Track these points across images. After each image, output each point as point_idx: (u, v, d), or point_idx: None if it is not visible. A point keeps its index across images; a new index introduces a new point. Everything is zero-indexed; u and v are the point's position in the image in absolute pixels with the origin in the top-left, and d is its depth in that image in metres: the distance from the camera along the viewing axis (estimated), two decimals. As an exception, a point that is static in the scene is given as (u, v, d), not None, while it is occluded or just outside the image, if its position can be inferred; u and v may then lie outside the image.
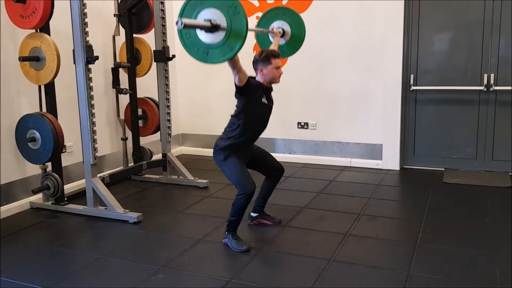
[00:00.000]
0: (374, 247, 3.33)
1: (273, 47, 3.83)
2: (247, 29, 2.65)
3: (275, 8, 4.12)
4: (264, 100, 3.34)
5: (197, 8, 2.72)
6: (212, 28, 2.67)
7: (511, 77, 4.82)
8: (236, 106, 3.32)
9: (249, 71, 3.24)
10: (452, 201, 4.26)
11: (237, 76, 3.05)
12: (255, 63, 3.36)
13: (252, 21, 5.68)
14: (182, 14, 2.75)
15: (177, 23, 2.53)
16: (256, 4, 5.68)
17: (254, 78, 3.38)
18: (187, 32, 2.77)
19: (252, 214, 3.73)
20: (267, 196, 3.71)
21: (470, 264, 3.02)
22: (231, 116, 3.39)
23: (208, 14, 2.69)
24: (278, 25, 4.02)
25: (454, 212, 3.99)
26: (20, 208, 4.19)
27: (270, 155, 3.65)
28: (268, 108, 3.41)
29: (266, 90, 3.38)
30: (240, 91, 3.18)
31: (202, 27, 2.69)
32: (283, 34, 4.02)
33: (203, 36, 2.74)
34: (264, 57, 3.31)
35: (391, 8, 5.07)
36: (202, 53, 2.77)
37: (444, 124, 5.18)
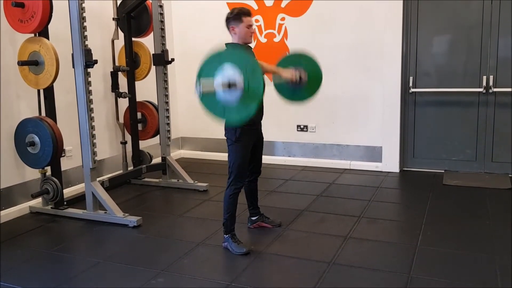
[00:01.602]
0: (374, 249, 3.32)
1: (275, 70, 3.65)
2: (263, 90, 2.72)
3: (290, 55, 3.99)
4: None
5: (216, 65, 2.79)
6: (230, 87, 2.73)
7: (511, 79, 4.82)
8: None
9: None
10: (452, 203, 4.26)
11: None
12: (227, 21, 3.31)
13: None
14: (201, 71, 2.83)
15: (196, 89, 2.62)
16: (255, 7, 5.69)
17: (228, 44, 3.32)
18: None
19: (251, 218, 3.73)
20: (254, 197, 3.69)
21: (471, 266, 3.01)
22: None
23: (227, 72, 2.75)
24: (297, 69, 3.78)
25: (454, 214, 3.98)
26: (19, 212, 4.19)
27: (261, 153, 3.61)
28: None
29: (247, 48, 3.34)
30: None
31: (220, 87, 2.74)
32: (300, 81, 3.69)
33: (221, 94, 2.79)
34: (235, 15, 3.27)
35: (390, 10, 5.08)
36: (220, 112, 2.85)
37: (444, 126, 5.18)
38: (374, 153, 5.41)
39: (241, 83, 2.72)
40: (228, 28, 3.34)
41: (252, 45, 5.62)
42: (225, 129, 3.34)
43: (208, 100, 2.85)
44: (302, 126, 5.72)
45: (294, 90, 3.74)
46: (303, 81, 3.69)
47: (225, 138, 3.36)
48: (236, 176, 3.29)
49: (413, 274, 2.90)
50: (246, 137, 3.29)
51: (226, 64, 2.76)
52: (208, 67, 2.82)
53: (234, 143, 3.29)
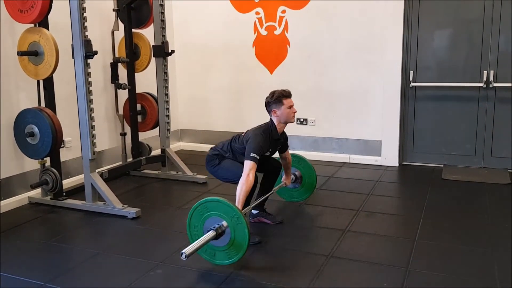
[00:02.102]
0: (372, 243, 3.33)
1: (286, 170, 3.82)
2: (248, 242, 2.81)
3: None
4: (267, 153, 3.38)
5: (204, 214, 2.90)
6: (218, 236, 2.82)
7: (511, 74, 4.81)
8: (244, 144, 3.34)
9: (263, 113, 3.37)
10: (451, 198, 4.26)
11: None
12: (268, 105, 3.39)
13: (252, 17, 5.71)
14: (190, 219, 2.95)
15: (181, 255, 2.64)
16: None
17: (271, 121, 3.39)
18: (196, 234, 2.94)
19: (253, 211, 3.72)
20: (266, 194, 3.69)
21: (469, 260, 3.02)
22: (233, 138, 3.47)
23: (215, 220, 2.86)
24: (292, 171, 3.97)
25: (453, 208, 3.99)
26: (18, 203, 4.19)
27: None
28: (269, 155, 3.45)
29: (273, 142, 3.39)
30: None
31: (206, 243, 2.81)
32: (295, 180, 4.01)
33: (209, 242, 2.87)
34: (276, 99, 3.34)
35: (391, 4, 5.06)
36: (210, 254, 2.95)
37: (443, 120, 5.18)
38: (374, 147, 5.42)
39: (228, 232, 2.83)
40: (269, 112, 3.41)
41: (253, 37, 5.65)
42: (206, 164, 3.51)
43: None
44: (301, 120, 5.71)
45: (291, 190, 4.07)
46: (299, 181, 4.00)
47: (208, 171, 3.52)
48: (241, 177, 3.22)
49: (411, 268, 2.91)
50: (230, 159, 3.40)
51: (213, 214, 2.88)
52: (197, 216, 2.93)
53: (218, 165, 3.45)
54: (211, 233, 2.81)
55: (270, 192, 3.67)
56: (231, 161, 3.43)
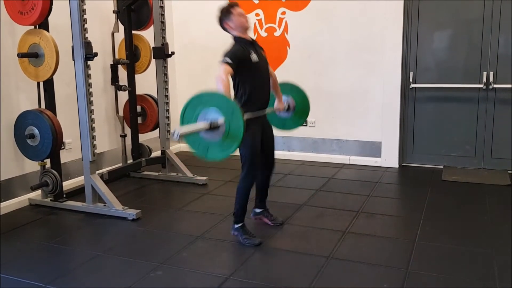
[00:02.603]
0: (372, 244, 3.33)
1: (277, 94, 3.77)
2: (243, 133, 2.78)
3: (282, 84, 4.02)
4: (254, 57, 3.29)
5: (198, 108, 2.87)
6: (211, 128, 2.80)
7: (511, 75, 4.82)
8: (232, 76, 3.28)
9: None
10: (450, 199, 4.27)
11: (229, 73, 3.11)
12: (220, 22, 3.35)
13: (251, 18, 5.71)
14: (183, 113, 2.91)
15: (173, 134, 2.66)
16: (256, 1, 5.68)
17: (234, 41, 3.33)
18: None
19: (255, 209, 3.73)
20: (264, 190, 3.69)
21: (469, 261, 3.03)
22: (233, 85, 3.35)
23: (209, 114, 2.82)
24: (284, 99, 3.92)
25: (452, 210, 3.99)
26: (19, 204, 4.19)
27: (273, 149, 3.63)
28: (262, 63, 3.37)
29: (250, 44, 3.33)
30: (235, 69, 3.17)
31: (199, 131, 2.81)
32: (288, 108, 3.93)
33: (203, 133, 2.86)
34: (224, 12, 3.31)
35: (390, 5, 5.06)
36: (203, 149, 2.91)
37: (443, 122, 5.18)
38: (374, 148, 5.42)
39: (223, 124, 2.80)
40: (224, 28, 3.36)
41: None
42: None
43: (192, 139, 2.93)
44: (301, 121, 5.71)
45: (284, 119, 3.97)
46: (291, 109, 3.90)
47: None
48: (249, 166, 3.25)
49: (411, 269, 2.91)
50: (252, 126, 3.24)
51: (208, 106, 2.85)
52: (191, 110, 2.90)
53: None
54: (205, 123, 2.78)
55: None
56: (246, 138, 3.34)
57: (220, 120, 2.79)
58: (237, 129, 2.78)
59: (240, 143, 3.28)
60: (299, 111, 3.98)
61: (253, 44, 3.37)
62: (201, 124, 2.79)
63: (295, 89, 3.99)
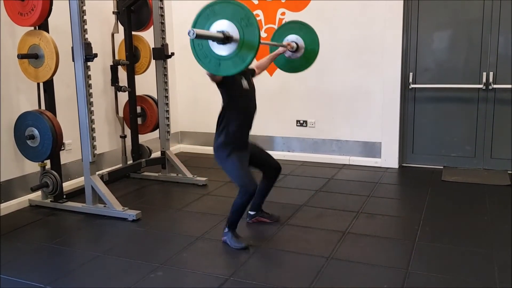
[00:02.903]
0: (372, 245, 3.33)
1: (269, 58, 3.81)
2: (259, 41, 2.66)
3: (290, 22, 4.08)
4: (244, 84, 3.33)
5: (210, 19, 2.74)
6: (225, 39, 2.69)
7: (511, 75, 4.82)
8: (222, 98, 3.33)
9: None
10: (450, 199, 4.27)
11: (212, 79, 3.13)
12: None
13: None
14: (195, 25, 2.76)
15: (189, 33, 2.54)
16: (255, 1, 5.68)
17: None
18: (199, 43, 2.77)
19: (250, 212, 3.73)
20: (265, 195, 3.70)
21: (469, 262, 3.03)
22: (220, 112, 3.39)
23: (221, 26, 2.71)
24: (292, 39, 3.94)
25: (452, 210, 3.99)
26: (19, 205, 4.19)
27: (268, 153, 3.65)
28: (250, 91, 3.39)
29: (243, 72, 3.33)
30: (219, 85, 3.22)
31: (214, 38, 2.69)
32: (297, 49, 3.93)
33: (215, 47, 2.75)
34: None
35: (390, 5, 5.07)
36: (214, 65, 2.78)
37: (443, 122, 5.18)
38: (373, 149, 5.42)
39: (237, 34, 2.68)
40: None
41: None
42: (215, 154, 3.37)
43: (202, 53, 2.79)
44: (301, 121, 5.72)
45: (293, 60, 3.87)
46: (300, 49, 3.83)
47: (217, 162, 3.38)
48: (243, 183, 3.23)
49: (411, 270, 2.91)
50: (237, 151, 3.30)
51: (220, 17, 2.72)
52: (202, 21, 2.76)
53: (226, 158, 3.29)
54: (218, 33, 2.67)
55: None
56: (231, 163, 3.38)
57: (235, 32, 2.67)
58: (252, 39, 2.65)
59: (227, 171, 3.33)
60: (308, 50, 3.89)
61: (247, 74, 3.41)
62: (215, 33, 2.67)
63: (303, 27, 3.91)
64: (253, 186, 3.20)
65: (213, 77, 3.09)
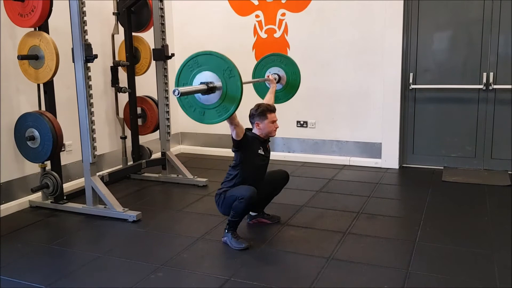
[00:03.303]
0: (373, 245, 3.33)
1: (270, 94, 3.87)
2: (241, 93, 2.78)
3: (271, 55, 4.16)
4: (261, 151, 3.40)
5: (194, 70, 2.87)
6: (209, 90, 2.80)
7: (511, 76, 4.82)
8: (234, 158, 3.38)
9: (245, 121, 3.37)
10: (451, 199, 4.27)
11: (234, 131, 3.15)
12: (252, 117, 3.43)
13: (252, 20, 5.72)
14: (179, 75, 2.91)
15: (174, 92, 2.68)
16: (256, 2, 5.68)
17: (251, 130, 3.44)
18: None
19: (251, 213, 3.73)
20: (269, 199, 3.72)
21: (469, 262, 3.02)
22: (229, 166, 3.43)
23: (205, 77, 2.83)
24: (273, 71, 4.07)
25: (453, 210, 3.99)
26: (19, 206, 4.19)
27: (270, 172, 3.64)
28: (265, 158, 3.47)
29: (263, 142, 3.43)
30: (237, 145, 3.26)
31: (198, 91, 2.81)
32: (279, 80, 4.06)
33: (200, 97, 2.87)
34: (260, 112, 3.38)
35: (390, 6, 5.07)
36: (199, 114, 2.92)
37: (443, 122, 5.18)
38: (374, 149, 5.42)
39: (220, 86, 2.79)
40: (252, 124, 3.43)
41: (253, 40, 5.68)
42: (216, 203, 3.41)
43: (187, 103, 2.93)
44: (301, 122, 5.72)
45: (276, 92, 4.00)
46: (282, 81, 4.02)
47: (221, 213, 3.42)
48: (238, 193, 3.23)
49: (412, 270, 2.91)
50: None
51: (204, 69, 2.85)
52: (186, 72, 2.90)
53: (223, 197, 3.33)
54: (202, 86, 2.79)
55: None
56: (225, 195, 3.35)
57: (218, 82, 2.78)
58: (235, 90, 2.76)
59: (226, 201, 3.31)
60: (290, 82, 4.03)
61: (265, 142, 3.47)
62: (199, 86, 2.79)
63: (285, 60, 4.05)
64: (249, 192, 3.19)
65: (237, 134, 3.15)
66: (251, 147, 3.33)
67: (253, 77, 4.17)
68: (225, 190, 3.34)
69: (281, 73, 4.06)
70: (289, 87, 4.11)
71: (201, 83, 2.83)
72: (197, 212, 4.10)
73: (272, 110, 3.44)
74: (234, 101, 2.79)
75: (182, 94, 2.72)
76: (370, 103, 5.34)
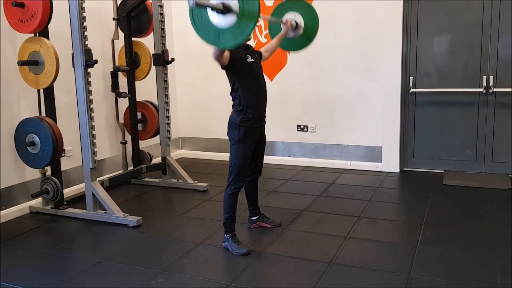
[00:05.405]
0: (374, 249, 3.32)
1: (276, 39, 3.76)
2: (259, 11, 2.62)
3: (288, 1, 3.96)
4: (249, 59, 3.30)
5: None
6: (224, 10, 2.64)
7: (511, 79, 4.82)
8: (228, 79, 3.29)
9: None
10: (452, 203, 4.26)
11: (220, 62, 3.07)
12: None
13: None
14: None
15: (189, 1, 2.52)
16: None
17: None
18: (198, 14, 2.73)
19: (251, 217, 3.73)
20: (254, 197, 3.71)
21: (471, 266, 3.01)
22: (230, 93, 3.34)
23: None
24: (291, 16, 3.84)
25: (454, 214, 3.98)
26: (19, 212, 4.19)
27: (263, 153, 3.61)
28: (257, 65, 3.36)
29: (245, 48, 3.33)
30: (225, 67, 3.18)
31: (214, 8, 2.65)
32: (296, 27, 3.83)
33: (215, 18, 2.71)
34: None
35: (390, 10, 5.08)
36: (214, 36, 2.74)
37: (444, 126, 5.18)
38: (374, 153, 5.42)
39: (236, 5, 2.64)
40: None
41: (252, 45, 5.68)
42: (228, 128, 3.35)
43: (201, 25, 2.76)
44: (302, 126, 5.72)
45: (292, 39, 3.80)
46: (299, 27, 3.76)
47: (228, 137, 3.37)
48: (236, 176, 3.30)
49: (413, 274, 2.90)
50: (249, 137, 3.30)
51: None
52: None
53: (237, 143, 3.29)
54: (219, 3, 2.62)
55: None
56: (238, 148, 3.31)
57: (234, 2, 2.63)
58: (252, 9, 2.62)
59: (231, 152, 3.31)
60: (307, 27, 3.83)
61: (247, 48, 3.37)
62: (215, 2, 2.63)
63: (302, 4, 3.85)
64: (239, 184, 3.30)
65: (220, 61, 3.05)
66: (238, 60, 3.20)
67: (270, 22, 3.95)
68: (242, 125, 3.26)
69: (298, 18, 3.80)
70: (307, 32, 3.85)
71: (217, 4, 2.64)
72: (197, 217, 4.09)
73: None
74: (252, 19, 2.62)
75: (197, 5, 2.55)
76: (370, 107, 5.34)
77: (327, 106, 5.56)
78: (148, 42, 5.04)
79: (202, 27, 2.76)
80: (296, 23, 3.81)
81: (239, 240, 3.33)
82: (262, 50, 3.62)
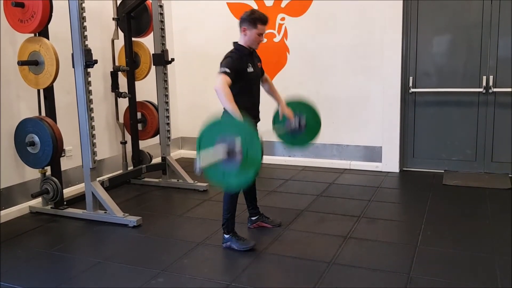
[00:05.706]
0: (374, 249, 3.32)
1: (274, 94, 3.74)
2: (261, 161, 2.77)
3: (291, 102, 3.91)
4: (250, 69, 3.30)
5: (216, 132, 2.84)
6: (229, 156, 2.76)
7: (511, 79, 4.82)
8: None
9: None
10: (452, 203, 4.26)
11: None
12: (242, 21, 3.30)
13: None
14: (200, 141, 2.86)
15: (195, 170, 2.70)
16: (255, 6, 5.68)
17: (236, 43, 3.35)
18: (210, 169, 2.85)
19: (251, 218, 3.73)
20: (253, 197, 3.71)
21: (471, 266, 3.02)
22: None
23: (226, 140, 2.78)
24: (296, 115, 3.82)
25: (454, 214, 3.98)
26: (19, 212, 4.19)
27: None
28: (254, 73, 3.36)
29: (248, 55, 3.33)
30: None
31: (219, 161, 2.78)
32: (299, 126, 3.79)
33: (220, 162, 2.81)
34: (252, 19, 3.26)
35: (390, 10, 5.08)
36: (219, 178, 2.88)
37: (444, 126, 5.18)
38: (374, 153, 5.42)
39: (240, 151, 2.75)
40: (240, 27, 3.33)
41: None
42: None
43: (209, 168, 2.88)
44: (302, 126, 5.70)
45: (294, 136, 3.82)
46: (303, 127, 3.78)
47: None
48: None
49: (413, 274, 2.90)
50: None
51: (225, 132, 2.81)
52: (208, 136, 2.87)
53: None
54: (223, 149, 2.74)
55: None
56: None
57: (238, 146, 2.74)
58: (255, 155, 2.73)
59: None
60: (310, 126, 3.83)
61: (251, 55, 3.38)
62: (219, 151, 2.76)
63: (305, 106, 3.88)
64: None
65: (226, 84, 3.08)
66: (238, 73, 3.19)
67: (276, 132, 3.96)
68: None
69: (302, 118, 3.78)
70: (310, 131, 3.85)
71: (223, 149, 2.76)
72: (197, 217, 4.09)
73: (265, 21, 3.29)
74: (254, 165, 2.75)
75: (204, 168, 2.72)
76: (370, 107, 5.34)
77: (327, 106, 5.54)
78: (148, 42, 5.04)
79: (209, 170, 2.88)
80: (300, 124, 3.79)
81: (242, 236, 3.32)
82: (265, 76, 3.64)
